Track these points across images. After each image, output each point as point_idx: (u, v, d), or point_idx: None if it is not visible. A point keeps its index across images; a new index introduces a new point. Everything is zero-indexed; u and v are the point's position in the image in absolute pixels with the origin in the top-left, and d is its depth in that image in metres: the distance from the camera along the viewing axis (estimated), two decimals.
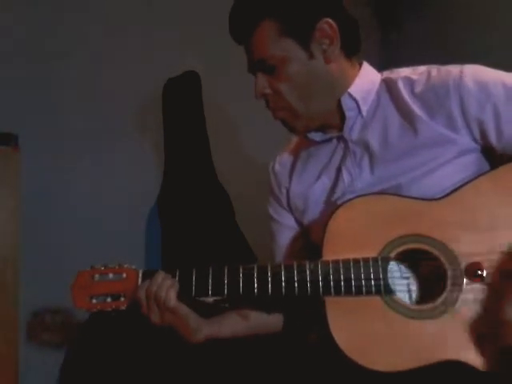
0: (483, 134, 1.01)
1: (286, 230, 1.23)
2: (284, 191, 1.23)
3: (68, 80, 2.05)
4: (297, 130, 1.16)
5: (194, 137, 2.19)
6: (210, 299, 1.11)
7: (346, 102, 1.10)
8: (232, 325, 1.16)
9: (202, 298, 1.08)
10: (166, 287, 1.03)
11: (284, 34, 1.05)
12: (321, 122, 1.14)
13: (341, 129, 1.13)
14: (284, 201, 1.24)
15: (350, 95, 1.10)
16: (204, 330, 1.10)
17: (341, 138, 1.14)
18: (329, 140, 1.16)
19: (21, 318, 1.75)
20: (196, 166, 2.17)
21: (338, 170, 1.13)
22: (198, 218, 2.09)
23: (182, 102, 2.18)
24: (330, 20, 1.06)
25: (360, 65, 1.14)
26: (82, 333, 1.11)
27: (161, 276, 1.05)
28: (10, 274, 1.70)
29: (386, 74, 1.14)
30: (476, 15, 2.42)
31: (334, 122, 1.14)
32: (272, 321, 1.20)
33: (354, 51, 1.13)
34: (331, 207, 1.06)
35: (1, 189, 1.72)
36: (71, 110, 2.06)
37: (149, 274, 1.07)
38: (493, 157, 1.04)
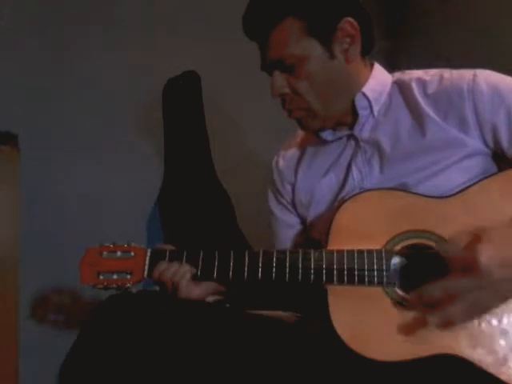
0: (495, 138, 1.02)
1: (287, 228, 1.24)
2: (288, 187, 1.23)
3: (68, 80, 2.05)
4: (312, 130, 1.16)
5: (193, 137, 2.19)
6: (211, 299, 1.12)
7: (360, 102, 1.10)
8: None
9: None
10: (176, 280, 1.04)
11: (306, 32, 1.05)
12: (336, 121, 1.14)
13: (351, 127, 1.13)
14: (288, 197, 1.23)
15: (364, 95, 1.10)
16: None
17: (351, 136, 1.14)
18: (339, 138, 1.16)
19: (20, 318, 1.75)
20: (196, 165, 2.17)
21: (348, 168, 1.13)
22: (198, 218, 2.09)
23: (182, 101, 2.18)
24: (352, 19, 1.06)
25: (371, 65, 1.15)
26: (87, 325, 1.10)
27: (173, 267, 1.05)
28: (9, 275, 1.70)
29: (398, 75, 1.15)
30: (483, 17, 2.41)
31: (345, 120, 1.14)
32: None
33: (368, 50, 1.13)
34: (338, 203, 1.06)
35: (1, 189, 1.72)
36: (71, 109, 2.06)
37: (157, 254, 1.08)
38: (502, 160, 1.05)
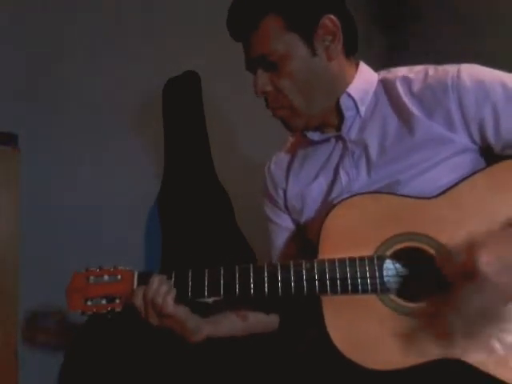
0: (482, 133, 1.01)
1: (283, 232, 1.23)
2: (281, 192, 1.23)
3: (68, 80, 2.05)
4: (296, 129, 1.15)
5: (193, 137, 2.19)
6: (210, 300, 1.12)
7: (345, 102, 1.10)
8: (230, 325, 1.16)
9: (202, 299, 1.08)
10: (163, 293, 1.02)
11: (288, 29, 1.04)
12: (320, 121, 1.14)
13: (339, 128, 1.13)
14: (281, 202, 1.23)
15: (349, 95, 1.09)
16: (203, 330, 1.10)
17: (339, 138, 1.13)
18: (327, 140, 1.15)
19: (20, 319, 1.75)
20: (196, 166, 2.17)
21: (336, 170, 1.12)
22: (198, 218, 2.09)
23: (182, 101, 2.18)
24: (333, 16, 1.06)
25: (357, 65, 1.14)
26: (80, 334, 1.11)
27: (157, 281, 1.04)
28: (9, 274, 1.70)
29: (383, 73, 1.14)
30: (478, 16, 2.42)
31: (332, 121, 1.13)
32: (270, 320, 1.20)
33: (352, 50, 1.12)
34: (328, 207, 1.06)
35: (1, 189, 1.72)
36: (71, 110, 2.06)
37: (144, 276, 1.07)
38: (491, 156, 1.04)
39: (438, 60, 1.10)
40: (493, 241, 0.87)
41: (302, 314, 1.13)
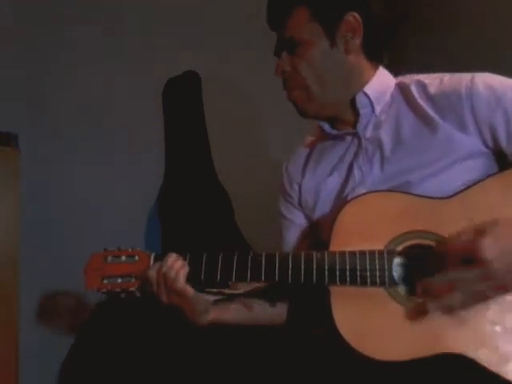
0: (494, 138, 1.04)
1: (295, 228, 1.26)
2: (296, 187, 1.27)
3: (68, 80, 2.05)
4: (307, 114, 1.20)
5: (194, 137, 2.19)
6: (211, 298, 1.13)
7: (361, 100, 1.15)
8: (236, 312, 1.19)
9: (206, 297, 1.11)
10: (176, 269, 1.06)
11: (313, 20, 1.14)
12: (331, 113, 1.19)
13: (355, 126, 1.17)
14: (295, 197, 1.27)
15: (365, 93, 1.15)
16: (210, 313, 1.13)
17: (355, 135, 1.18)
18: (343, 137, 1.20)
19: (20, 319, 1.74)
20: (196, 165, 2.17)
21: (350, 167, 1.16)
22: (198, 218, 2.09)
23: (182, 101, 2.18)
24: (356, 14, 1.13)
25: (377, 68, 1.20)
26: (86, 325, 1.12)
27: (172, 258, 1.08)
28: (9, 274, 1.70)
29: (400, 78, 1.20)
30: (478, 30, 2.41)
31: (348, 118, 1.18)
32: (276, 312, 1.23)
33: (376, 55, 1.18)
34: (341, 203, 1.09)
35: (1, 189, 1.72)
36: (71, 110, 2.06)
37: (161, 257, 1.10)
38: (504, 161, 1.06)
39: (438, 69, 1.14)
40: (498, 228, 0.89)
41: (311, 307, 1.14)
